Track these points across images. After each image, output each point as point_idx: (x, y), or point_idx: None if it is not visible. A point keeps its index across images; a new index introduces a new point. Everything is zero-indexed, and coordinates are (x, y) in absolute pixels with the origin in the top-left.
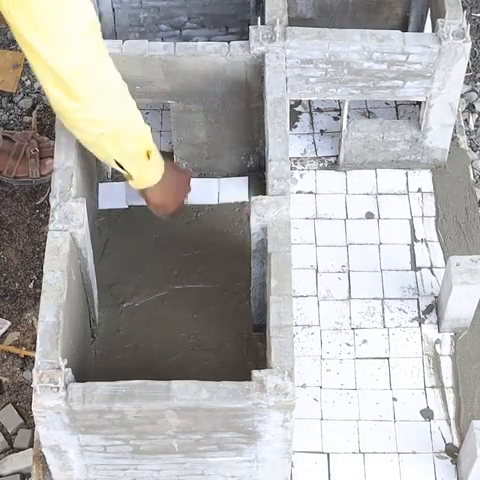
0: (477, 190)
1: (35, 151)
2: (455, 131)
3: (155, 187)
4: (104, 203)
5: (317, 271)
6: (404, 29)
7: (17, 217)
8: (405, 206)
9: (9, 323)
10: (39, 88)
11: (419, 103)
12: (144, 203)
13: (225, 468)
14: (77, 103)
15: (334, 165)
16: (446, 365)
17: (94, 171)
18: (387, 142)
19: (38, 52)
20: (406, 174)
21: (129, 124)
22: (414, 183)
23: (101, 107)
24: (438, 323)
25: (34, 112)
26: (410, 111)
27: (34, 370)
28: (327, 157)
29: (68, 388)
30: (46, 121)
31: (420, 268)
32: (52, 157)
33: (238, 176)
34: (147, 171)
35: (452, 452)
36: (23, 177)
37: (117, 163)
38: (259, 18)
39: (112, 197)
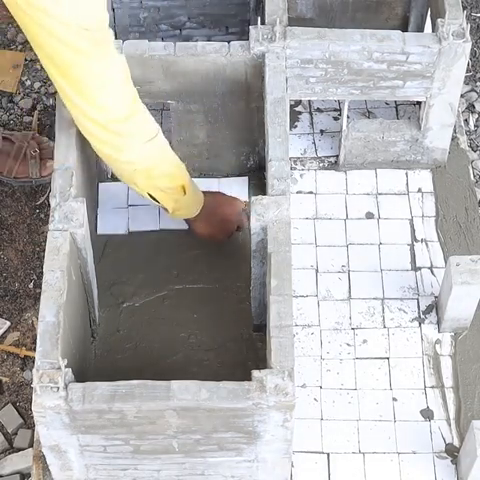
0: (477, 190)
1: (35, 152)
2: (455, 131)
3: (198, 218)
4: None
5: (317, 271)
6: (404, 29)
7: (17, 217)
8: (405, 206)
9: (9, 323)
10: (39, 88)
11: (419, 103)
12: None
13: (225, 468)
14: (113, 146)
15: (334, 165)
16: (446, 365)
17: (94, 171)
18: (387, 142)
19: (79, 107)
20: (406, 174)
21: (161, 161)
22: (414, 183)
23: (134, 148)
24: (438, 323)
25: (35, 112)
26: (410, 111)
27: (34, 370)
28: (327, 157)
29: (68, 388)
30: (46, 121)
31: (420, 268)
32: (52, 158)
33: (238, 176)
34: (183, 205)
35: (452, 452)
36: (23, 177)
37: (151, 196)
38: (259, 18)
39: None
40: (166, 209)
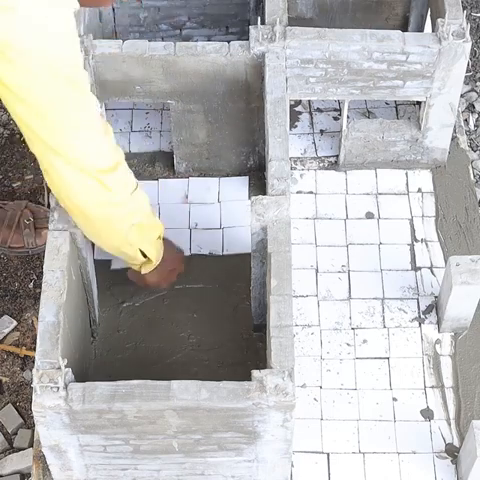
0: (477, 190)
1: (29, 220)
2: (455, 131)
3: (159, 266)
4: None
5: (317, 271)
6: (404, 29)
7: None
8: (405, 206)
9: (15, 323)
10: None
11: (419, 103)
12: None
13: (225, 468)
14: (110, 203)
15: (334, 165)
16: (446, 365)
17: None
18: (387, 142)
19: (65, 155)
20: (406, 174)
21: (147, 211)
22: (414, 183)
23: (126, 200)
24: (438, 323)
25: None
26: (410, 111)
27: (34, 370)
28: (327, 157)
29: (68, 388)
30: None
31: (420, 268)
32: (47, 227)
33: (238, 176)
34: (159, 250)
35: (452, 452)
36: (18, 247)
37: (142, 253)
38: (259, 18)
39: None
40: (149, 262)
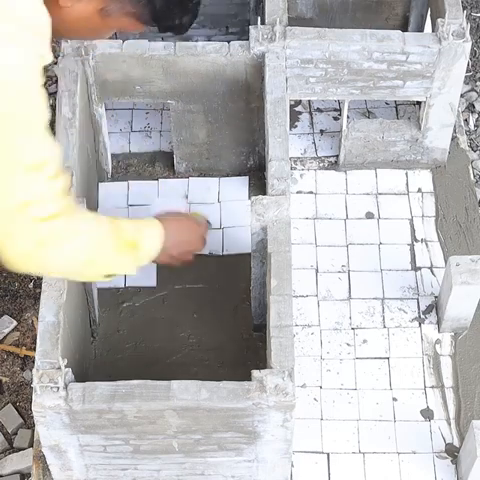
0: (477, 190)
1: None
2: (455, 131)
3: (162, 252)
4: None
5: (317, 271)
6: (404, 29)
7: None
8: (405, 206)
9: (16, 322)
10: None
11: (419, 103)
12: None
13: (225, 468)
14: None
15: (334, 165)
16: (446, 365)
17: (94, 171)
18: (387, 142)
19: None
20: (406, 174)
21: (102, 247)
22: (414, 183)
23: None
24: (438, 323)
25: None
26: (410, 111)
27: (34, 370)
28: (327, 157)
29: (68, 388)
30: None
31: (420, 268)
32: None
33: (238, 176)
34: (144, 257)
35: (452, 452)
36: None
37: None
38: (259, 18)
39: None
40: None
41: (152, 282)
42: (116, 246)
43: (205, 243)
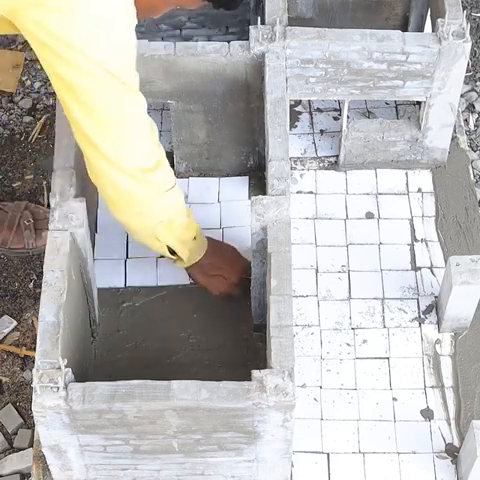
0: (477, 190)
1: (29, 222)
2: (455, 131)
3: (197, 265)
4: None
5: (317, 271)
6: (404, 29)
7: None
8: (405, 206)
9: (15, 323)
10: (39, 88)
11: (419, 103)
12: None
13: (225, 468)
14: (141, 200)
15: (334, 165)
16: (446, 365)
17: None
18: (387, 142)
19: (105, 155)
20: (406, 174)
21: (180, 210)
22: (414, 183)
23: (160, 197)
24: (438, 323)
25: (40, 121)
26: (410, 111)
27: (34, 370)
28: (327, 157)
29: (68, 388)
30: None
31: (420, 268)
32: (47, 228)
33: (238, 176)
34: (194, 251)
35: (452, 452)
36: (19, 248)
37: (169, 249)
38: (259, 18)
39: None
40: (181, 260)
41: (152, 281)
42: (187, 222)
43: (240, 283)
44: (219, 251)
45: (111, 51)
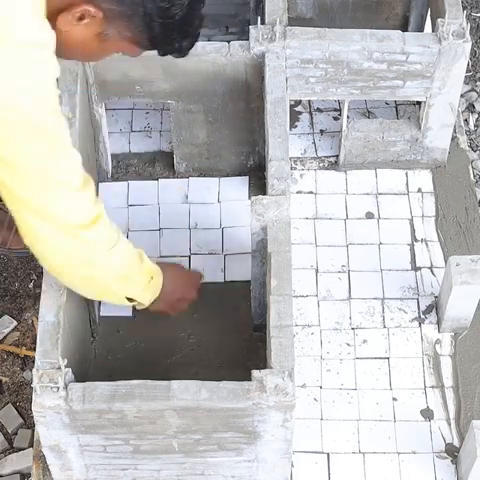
0: (477, 190)
1: None
2: (455, 131)
3: (159, 299)
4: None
5: (317, 271)
6: (404, 29)
7: None
8: (405, 206)
9: (16, 323)
10: None
11: (419, 103)
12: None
13: (225, 468)
14: (84, 261)
15: (334, 165)
16: (446, 365)
17: (94, 171)
18: (387, 142)
19: (40, 212)
20: (406, 174)
21: (131, 261)
22: (414, 183)
23: (104, 257)
24: (438, 323)
25: None
26: (410, 111)
27: (34, 370)
28: (327, 157)
29: (68, 388)
30: None
31: (420, 268)
32: None
33: (238, 176)
34: (154, 290)
35: (452, 452)
36: (19, 249)
37: (128, 299)
38: (259, 18)
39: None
40: (141, 304)
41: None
42: (142, 269)
43: (197, 293)
44: (172, 273)
45: (35, 111)
